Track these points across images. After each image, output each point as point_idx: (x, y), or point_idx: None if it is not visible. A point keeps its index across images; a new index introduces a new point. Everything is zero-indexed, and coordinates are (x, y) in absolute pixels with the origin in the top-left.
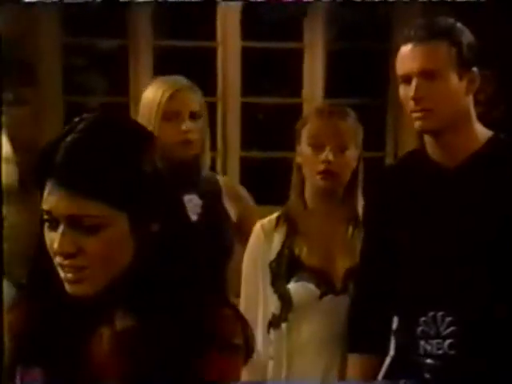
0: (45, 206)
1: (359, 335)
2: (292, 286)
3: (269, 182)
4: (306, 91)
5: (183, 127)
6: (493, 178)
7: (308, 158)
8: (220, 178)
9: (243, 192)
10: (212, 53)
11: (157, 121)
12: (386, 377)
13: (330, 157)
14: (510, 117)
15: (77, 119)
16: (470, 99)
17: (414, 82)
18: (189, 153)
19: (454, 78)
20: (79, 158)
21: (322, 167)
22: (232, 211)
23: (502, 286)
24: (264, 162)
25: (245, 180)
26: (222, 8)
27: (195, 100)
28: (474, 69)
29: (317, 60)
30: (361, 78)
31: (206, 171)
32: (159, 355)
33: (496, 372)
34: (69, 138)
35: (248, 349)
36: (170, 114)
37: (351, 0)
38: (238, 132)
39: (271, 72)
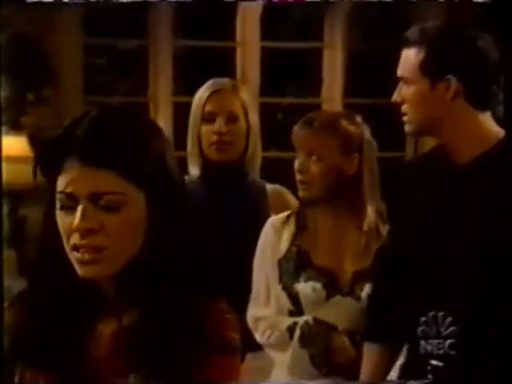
0: (63, 187)
1: (377, 324)
2: (300, 286)
3: (288, 183)
4: (325, 91)
5: (215, 128)
6: (500, 178)
7: None
8: (268, 186)
9: (292, 200)
10: (231, 53)
11: (196, 122)
12: (399, 374)
13: (302, 164)
14: (510, 117)
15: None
16: (456, 104)
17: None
18: (224, 155)
19: (422, 85)
20: (102, 134)
21: (297, 177)
22: None
23: (504, 285)
24: (283, 162)
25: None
26: (241, 8)
27: (234, 101)
28: (449, 76)
29: (336, 60)
30: (380, 77)
31: (252, 177)
32: (159, 354)
33: (496, 372)
34: (92, 113)
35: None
36: (207, 115)
37: (371, 0)
38: None
39: (290, 72)
